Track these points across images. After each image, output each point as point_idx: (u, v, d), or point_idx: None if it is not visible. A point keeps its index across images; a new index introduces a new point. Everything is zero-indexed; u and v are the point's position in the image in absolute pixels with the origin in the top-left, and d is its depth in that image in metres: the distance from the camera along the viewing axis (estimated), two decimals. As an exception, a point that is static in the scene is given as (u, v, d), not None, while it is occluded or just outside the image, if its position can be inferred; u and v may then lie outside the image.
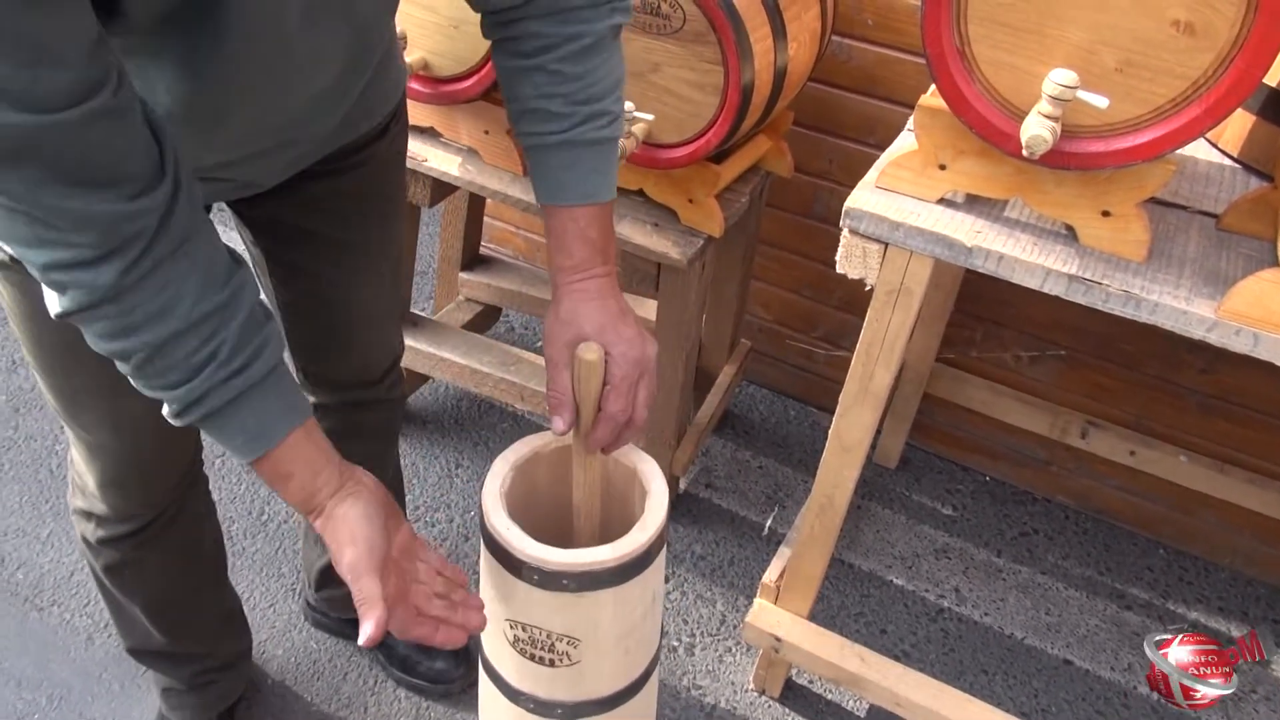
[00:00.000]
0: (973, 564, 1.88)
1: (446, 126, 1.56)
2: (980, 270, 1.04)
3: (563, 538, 0.98)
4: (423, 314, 1.91)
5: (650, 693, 1.16)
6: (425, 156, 1.57)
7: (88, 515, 1.17)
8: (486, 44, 1.40)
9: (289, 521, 1.83)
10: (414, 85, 1.49)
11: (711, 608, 1.76)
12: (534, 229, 2.30)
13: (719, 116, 1.33)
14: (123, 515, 1.14)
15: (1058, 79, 0.88)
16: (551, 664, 1.01)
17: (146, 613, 1.28)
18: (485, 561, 1.00)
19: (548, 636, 0.99)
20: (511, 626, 1.00)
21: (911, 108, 1.73)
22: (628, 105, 1.33)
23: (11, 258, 0.89)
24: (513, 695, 1.06)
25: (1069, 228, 1.05)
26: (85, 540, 1.20)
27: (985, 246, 1.03)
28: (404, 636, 0.86)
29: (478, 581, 1.05)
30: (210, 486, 1.29)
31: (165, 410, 0.78)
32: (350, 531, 0.84)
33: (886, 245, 1.08)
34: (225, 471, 1.91)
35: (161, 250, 0.70)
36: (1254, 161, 1.18)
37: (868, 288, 1.11)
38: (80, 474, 1.13)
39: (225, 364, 0.75)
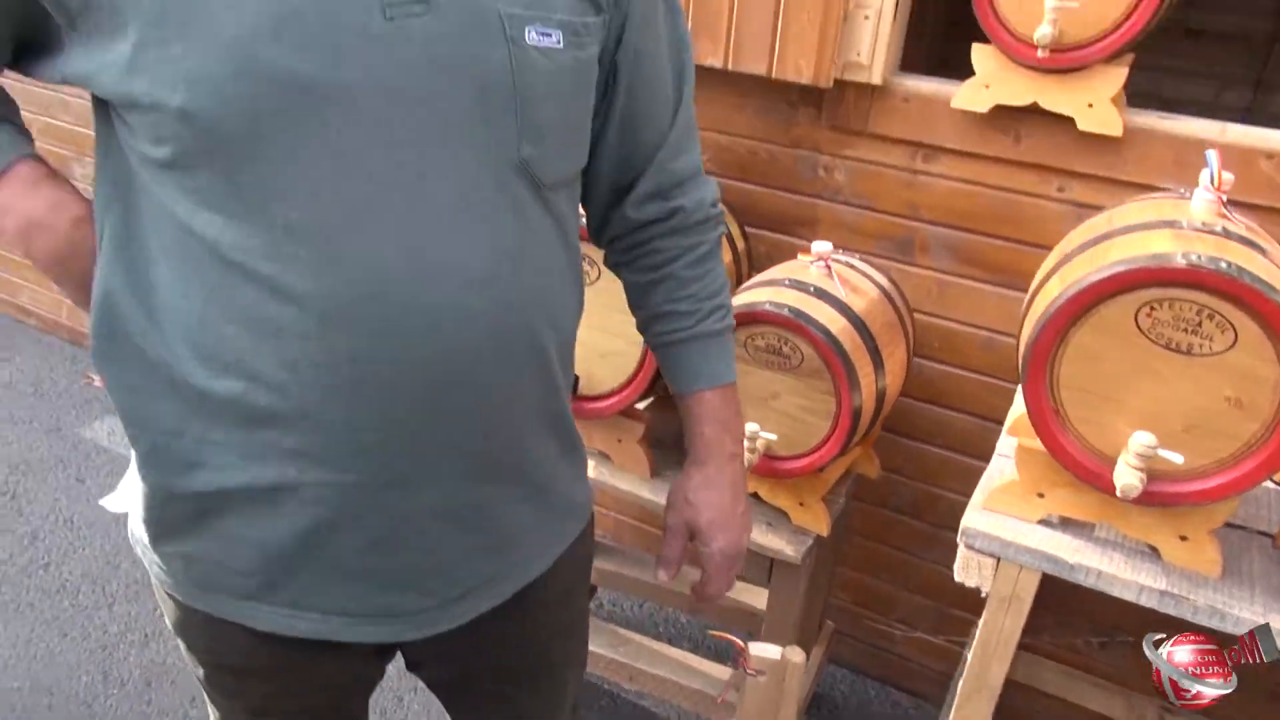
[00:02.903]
0: None
1: (582, 431, 1.81)
2: (1081, 584, 1.24)
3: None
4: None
5: None
6: (564, 460, 1.81)
7: None
8: (628, 371, 1.68)
9: None
10: (560, 401, 1.75)
11: None
12: (626, 512, 2.51)
13: (831, 435, 1.58)
14: None
15: (1141, 440, 1.12)
16: None
17: None
18: None
19: None
20: None
21: (972, 415, 1.98)
22: (753, 426, 1.58)
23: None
24: None
25: (1152, 547, 1.25)
26: None
27: (1085, 564, 1.23)
28: None
29: None
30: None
31: None
32: None
33: (999, 559, 1.28)
34: None
35: None
36: (1295, 487, 1.41)
37: (983, 595, 1.30)
38: None
39: None
